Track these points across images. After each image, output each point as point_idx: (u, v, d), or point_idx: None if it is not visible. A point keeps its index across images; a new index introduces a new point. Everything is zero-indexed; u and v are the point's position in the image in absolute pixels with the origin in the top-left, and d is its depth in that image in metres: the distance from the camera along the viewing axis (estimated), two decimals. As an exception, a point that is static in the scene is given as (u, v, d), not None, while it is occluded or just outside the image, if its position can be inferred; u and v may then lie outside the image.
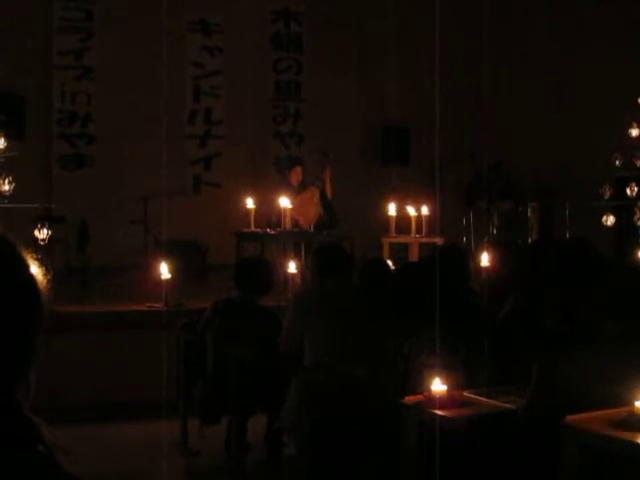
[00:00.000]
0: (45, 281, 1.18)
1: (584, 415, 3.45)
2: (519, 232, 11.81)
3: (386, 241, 10.35)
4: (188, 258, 10.54)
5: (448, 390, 4.05)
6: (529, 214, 12.15)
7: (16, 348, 1.14)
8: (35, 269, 1.17)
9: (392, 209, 10.34)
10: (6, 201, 8.55)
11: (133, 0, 12.33)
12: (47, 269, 1.19)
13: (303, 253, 9.40)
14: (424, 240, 10.13)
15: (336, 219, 10.56)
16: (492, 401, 4.11)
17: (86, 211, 11.57)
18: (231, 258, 9.25)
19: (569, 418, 3.43)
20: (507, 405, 4.01)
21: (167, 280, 7.99)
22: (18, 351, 1.14)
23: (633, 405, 3.38)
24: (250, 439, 6.12)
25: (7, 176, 8.66)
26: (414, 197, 10.69)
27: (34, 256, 1.18)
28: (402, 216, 10.39)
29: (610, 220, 10.96)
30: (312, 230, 10.11)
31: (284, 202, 9.52)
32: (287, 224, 9.54)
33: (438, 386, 4.04)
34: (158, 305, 8.13)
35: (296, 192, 10.22)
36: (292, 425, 5.40)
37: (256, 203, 9.66)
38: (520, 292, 4.86)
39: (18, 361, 1.14)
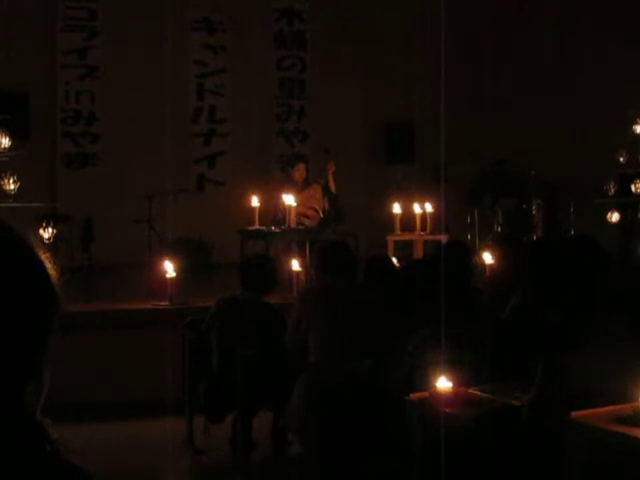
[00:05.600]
0: (58, 279, 1.19)
1: (589, 411, 3.45)
2: (523, 229, 11.81)
3: (391, 238, 10.35)
4: (193, 256, 10.57)
5: (453, 387, 4.05)
6: (533, 211, 12.14)
7: (29, 347, 1.14)
8: (49, 266, 1.18)
9: (396, 207, 10.34)
10: (11, 200, 8.56)
11: (137, -1, 12.36)
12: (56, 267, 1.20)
13: (308, 251, 9.41)
14: (428, 237, 10.13)
15: (342, 214, 10.57)
16: (497, 398, 4.11)
17: (91, 209, 11.59)
18: (236, 256, 9.26)
19: (574, 414, 3.43)
20: (512, 402, 4.01)
21: (172, 278, 8.00)
22: (30, 350, 1.14)
23: (638, 401, 3.38)
24: (255, 437, 6.12)
25: (12, 175, 8.67)
26: (418, 195, 10.68)
27: (47, 254, 1.19)
28: (406, 214, 10.38)
29: (615, 217, 10.96)
30: (321, 219, 10.12)
31: (288, 200, 9.53)
32: (292, 222, 9.54)
33: (443, 383, 4.04)
34: (163, 303, 8.14)
35: (299, 189, 10.24)
36: (297, 423, 5.40)
37: (260, 201, 9.67)
38: (524, 289, 4.86)
39: (30, 360, 1.15)
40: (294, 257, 8.79)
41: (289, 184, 10.31)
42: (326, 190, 10.44)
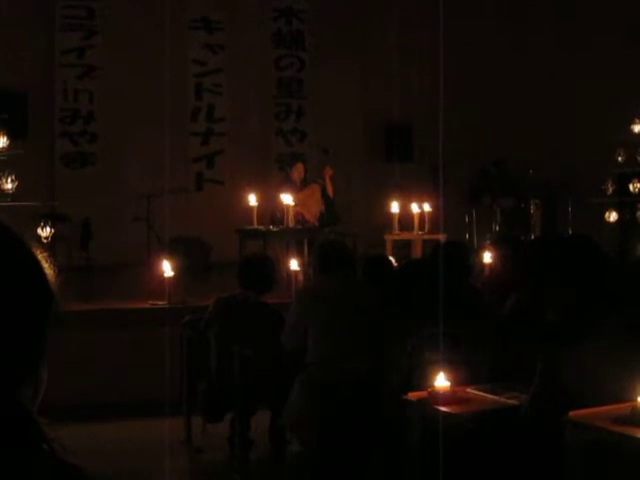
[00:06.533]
0: (55, 278, 1.18)
1: (588, 411, 3.45)
2: (522, 229, 11.81)
3: (389, 238, 10.35)
4: (191, 255, 10.55)
5: (451, 386, 4.05)
6: (532, 211, 12.15)
7: (24, 346, 1.14)
8: (46, 266, 1.18)
9: (395, 206, 10.34)
10: (9, 199, 8.56)
11: (135, -2, 12.35)
12: (53, 267, 1.20)
13: (306, 250, 9.41)
14: (427, 237, 10.13)
15: (337, 217, 10.58)
16: (496, 397, 4.11)
17: (89, 209, 11.57)
18: (234, 255, 9.26)
19: (573, 414, 3.43)
20: (511, 401, 4.01)
21: (170, 278, 8.00)
22: (26, 349, 1.14)
23: (636, 400, 3.38)
24: (253, 436, 6.12)
25: (10, 174, 8.67)
26: (417, 194, 10.69)
27: (44, 254, 1.19)
28: (405, 213, 10.39)
29: (613, 216, 10.97)
30: (317, 224, 10.14)
31: (286, 199, 9.53)
32: (290, 221, 9.54)
33: (442, 382, 4.04)
34: (161, 303, 8.14)
35: (298, 189, 10.24)
36: (295, 422, 5.40)
37: (259, 200, 9.67)
38: (523, 288, 4.86)
39: (26, 359, 1.14)
40: (292, 257, 8.78)
41: (287, 184, 10.31)
42: (323, 194, 10.45)
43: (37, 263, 1.17)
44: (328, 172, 10.59)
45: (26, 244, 1.17)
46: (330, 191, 10.55)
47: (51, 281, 1.18)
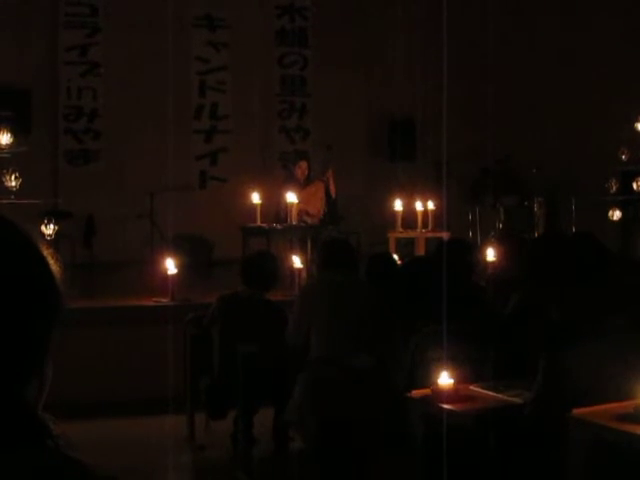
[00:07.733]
0: (60, 274, 1.19)
1: (591, 409, 3.45)
2: (525, 227, 11.80)
3: (392, 236, 10.35)
4: (194, 253, 10.57)
5: (455, 384, 4.05)
6: (535, 209, 12.13)
7: (31, 343, 1.14)
8: (52, 262, 1.18)
9: (398, 204, 10.34)
10: (13, 196, 8.57)
11: (138, -5, 12.35)
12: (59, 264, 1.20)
13: (309, 248, 9.41)
14: (430, 235, 10.14)
15: (338, 217, 10.58)
16: (499, 395, 4.11)
17: (92, 206, 11.59)
18: (237, 253, 9.26)
19: (576, 412, 3.43)
20: (514, 399, 4.01)
21: (173, 275, 7.99)
22: (32, 347, 1.14)
23: (639, 398, 3.38)
24: (256, 433, 6.13)
25: (14, 171, 8.67)
26: (420, 192, 10.68)
27: (50, 251, 1.19)
28: (408, 211, 10.39)
29: (616, 214, 10.96)
30: (322, 218, 10.15)
31: (290, 197, 9.54)
32: (293, 219, 9.55)
33: (445, 380, 4.03)
34: (164, 300, 8.14)
35: (301, 186, 10.24)
36: (298, 419, 5.40)
37: (262, 198, 9.67)
38: (526, 286, 4.86)
39: (32, 357, 1.15)
40: (296, 254, 8.79)
41: (291, 181, 10.32)
42: (327, 192, 10.46)
43: (44, 260, 1.17)
44: (330, 175, 10.62)
45: (33, 241, 1.17)
46: (332, 192, 10.56)
47: (57, 278, 1.18)
